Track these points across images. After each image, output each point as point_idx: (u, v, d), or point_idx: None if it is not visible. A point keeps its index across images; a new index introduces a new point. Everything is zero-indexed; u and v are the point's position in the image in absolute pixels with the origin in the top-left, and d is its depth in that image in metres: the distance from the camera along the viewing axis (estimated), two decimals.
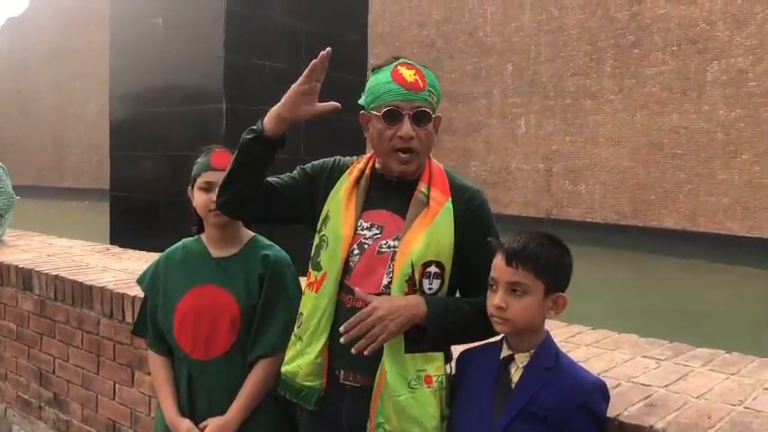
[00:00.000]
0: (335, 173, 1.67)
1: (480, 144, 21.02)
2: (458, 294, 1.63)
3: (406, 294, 1.50)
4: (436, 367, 1.53)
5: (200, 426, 1.82)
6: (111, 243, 5.12)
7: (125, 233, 5.66)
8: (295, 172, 1.71)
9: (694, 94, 16.57)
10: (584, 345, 2.19)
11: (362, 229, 1.58)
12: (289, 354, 1.64)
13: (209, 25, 5.20)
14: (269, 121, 1.56)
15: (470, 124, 20.96)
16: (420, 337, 1.49)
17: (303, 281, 1.74)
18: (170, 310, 1.85)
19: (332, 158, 1.72)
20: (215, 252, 1.89)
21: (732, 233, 15.92)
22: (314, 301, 1.58)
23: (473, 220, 1.58)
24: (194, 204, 1.89)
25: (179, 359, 1.87)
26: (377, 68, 1.59)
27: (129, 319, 2.70)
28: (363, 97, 1.60)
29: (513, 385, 1.45)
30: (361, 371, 1.53)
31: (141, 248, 4.14)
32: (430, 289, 1.53)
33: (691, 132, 16.66)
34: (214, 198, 1.79)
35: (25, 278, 3.29)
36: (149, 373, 2.54)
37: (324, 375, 1.57)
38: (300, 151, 4.84)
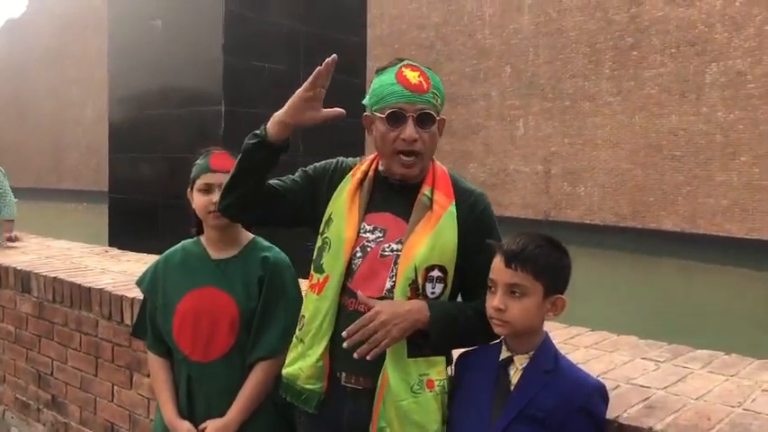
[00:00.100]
0: (338, 174, 1.66)
1: (479, 146, 21.04)
2: (459, 298, 1.62)
3: (409, 298, 1.50)
4: (438, 371, 1.53)
5: (200, 428, 1.82)
6: (110, 245, 5.12)
7: (124, 235, 5.67)
8: (297, 174, 1.70)
9: (693, 96, 16.60)
10: (583, 346, 2.19)
11: (365, 232, 1.57)
12: (290, 356, 1.64)
13: (207, 27, 5.21)
14: (272, 126, 1.55)
15: (469, 126, 20.97)
16: (423, 342, 1.49)
17: (304, 283, 1.74)
18: (169, 311, 1.85)
19: (334, 160, 1.71)
20: (214, 254, 1.89)
21: (731, 235, 15.94)
22: (316, 304, 1.58)
23: (477, 224, 1.57)
24: (193, 206, 1.89)
25: (178, 361, 1.87)
26: (381, 70, 1.58)
27: (127, 320, 2.70)
28: (367, 99, 1.59)
29: (512, 387, 1.45)
30: (363, 374, 1.52)
31: (140, 250, 4.14)
32: (433, 293, 1.52)
33: (689, 134, 16.68)
34: (213, 200, 1.79)
35: (24, 280, 3.29)
36: (148, 375, 2.54)
37: (325, 378, 1.56)
38: (299, 153, 4.83)
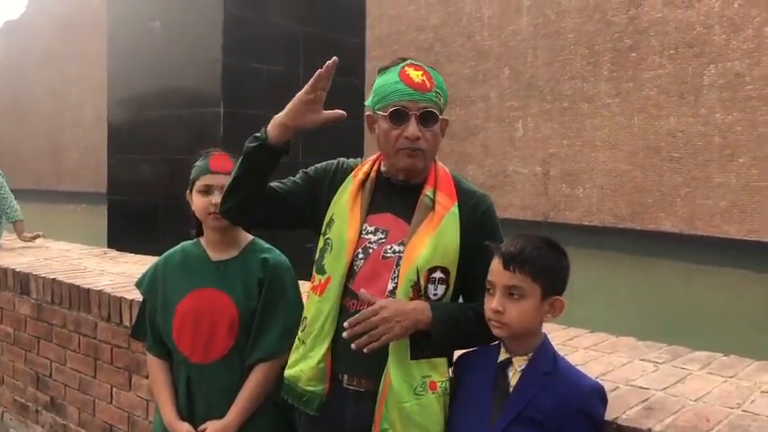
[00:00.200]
0: (339, 176, 1.65)
1: (478, 147, 21.05)
2: (461, 299, 1.62)
3: (411, 299, 1.50)
4: (440, 373, 1.53)
5: (199, 429, 1.82)
6: (109, 246, 5.11)
7: (123, 236, 5.66)
8: (297, 176, 1.69)
9: (691, 98, 16.61)
10: (582, 348, 2.19)
11: (367, 233, 1.56)
12: (292, 358, 1.63)
13: (207, 29, 5.21)
14: (273, 129, 1.55)
15: (468, 128, 20.98)
16: (424, 343, 1.49)
17: (304, 285, 1.74)
18: (169, 313, 1.85)
19: (335, 161, 1.70)
20: (214, 255, 1.89)
21: (729, 236, 15.95)
22: (317, 305, 1.57)
23: (479, 225, 1.57)
24: (193, 208, 1.89)
25: (178, 362, 1.87)
26: (384, 69, 1.57)
27: (126, 322, 2.69)
28: (370, 98, 1.59)
29: (511, 389, 1.45)
30: (366, 376, 1.52)
31: (139, 252, 4.14)
32: (435, 294, 1.52)
33: (688, 136, 16.70)
34: (213, 201, 1.79)
35: (22, 282, 3.29)
36: (147, 377, 2.54)
37: (327, 380, 1.56)
38: (299, 154, 4.83)
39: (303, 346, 1.60)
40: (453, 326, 1.50)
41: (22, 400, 3.38)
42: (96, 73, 28.87)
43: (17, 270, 3.34)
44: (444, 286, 1.53)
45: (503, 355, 1.49)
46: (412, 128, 1.50)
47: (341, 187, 1.62)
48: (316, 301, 1.58)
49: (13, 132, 33.89)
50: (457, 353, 1.63)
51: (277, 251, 1.93)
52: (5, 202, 4.45)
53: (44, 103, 32.97)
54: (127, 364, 2.74)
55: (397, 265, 1.51)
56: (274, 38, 5.44)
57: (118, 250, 4.35)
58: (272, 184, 1.65)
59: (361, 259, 1.55)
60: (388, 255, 1.53)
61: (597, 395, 1.45)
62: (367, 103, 1.61)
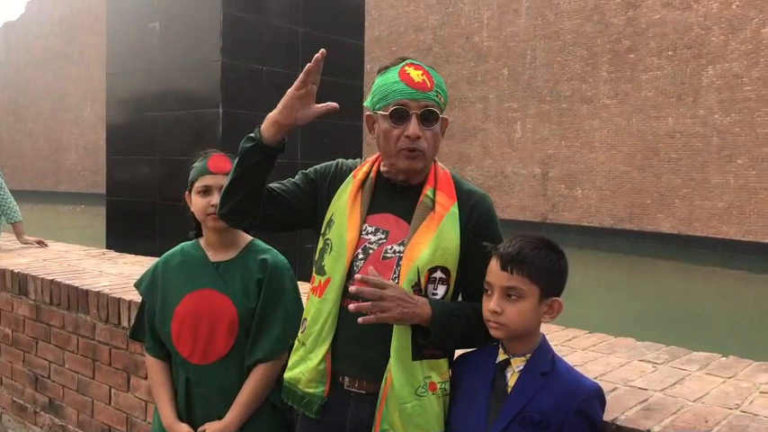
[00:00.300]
0: (338, 176, 1.65)
1: (477, 148, 21.07)
2: (460, 299, 1.62)
3: None
4: (441, 374, 1.53)
5: (198, 430, 1.82)
6: (107, 247, 5.11)
7: (121, 237, 5.66)
8: (297, 177, 1.69)
9: (690, 99, 16.64)
10: (580, 349, 2.19)
11: (367, 234, 1.56)
12: (292, 359, 1.62)
13: (206, 30, 5.21)
14: (267, 128, 1.54)
15: (467, 129, 21.00)
16: (423, 340, 1.49)
17: (303, 285, 1.73)
18: (168, 314, 1.85)
19: (334, 162, 1.70)
20: (213, 256, 1.89)
21: (728, 237, 15.97)
22: (317, 306, 1.56)
23: (479, 225, 1.56)
24: (192, 208, 1.88)
25: (177, 363, 1.87)
26: (384, 69, 1.57)
27: (124, 323, 2.69)
28: (369, 98, 1.58)
29: (509, 390, 1.45)
30: (367, 377, 1.52)
31: (137, 252, 4.13)
32: (435, 294, 1.52)
33: (686, 137, 16.72)
34: (212, 202, 1.79)
35: (21, 283, 3.28)
36: (145, 378, 2.54)
37: (327, 382, 1.55)
38: (298, 155, 4.84)
39: (303, 347, 1.59)
40: (452, 323, 1.49)
41: (21, 402, 3.37)
42: (95, 74, 28.90)
43: (15, 271, 3.34)
44: (445, 286, 1.52)
45: (501, 356, 1.49)
46: (413, 127, 1.50)
47: (340, 188, 1.62)
48: (315, 302, 1.58)
49: (12, 133, 33.87)
50: (456, 353, 1.63)
51: (276, 252, 1.93)
52: (5, 203, 4.43)
53: (43, 104, 32.96)
54: (125, 365, 2.74)
55: (398, 265, 1.51)
56: (273, 39, 5.44)
57: (116, 251, 4.34)
58: (271, 185, 1.64)
59: (361, 259, 1.54)
60: (389, 255, 1.53)
61: (596, 396, 1.45)
62: (366, 102, 1.60)
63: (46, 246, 4.32)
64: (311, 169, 1.70)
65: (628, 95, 17.71)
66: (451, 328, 1.49)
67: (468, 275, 1.55)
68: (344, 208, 1.58)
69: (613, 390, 1.74)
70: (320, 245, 1.61)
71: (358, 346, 1.52)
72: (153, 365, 1.92)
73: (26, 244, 4.33)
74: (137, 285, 1.97)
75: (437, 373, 1.52)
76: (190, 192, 1.89)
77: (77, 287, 2.96)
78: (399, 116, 1.51)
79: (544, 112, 19.44)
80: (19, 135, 33.77)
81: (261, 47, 5.36)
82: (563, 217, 19.08)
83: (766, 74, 15.42)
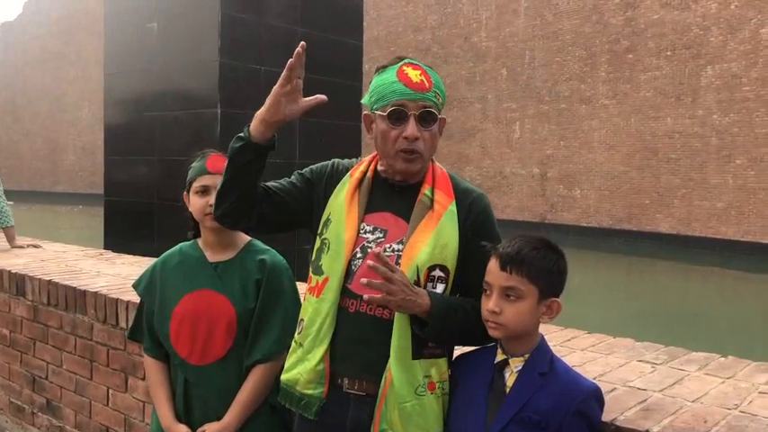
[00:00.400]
0: (335, 176, 1.64)
1: (475, 149, 21.07)
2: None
3: None
4: (440, 373, 1.52)
5: (197, 431, 1.81)
6: (105, 248, 5.10)
7: (119, 238, 5.65)
8: (293, 177, 1.68)
9: (688, 99, 16.65)
10: (579, 349, 2.19)
11: (365, 233, 1.55)
12: (289, 361, 1.61)
13: (204, 30, 5.20)
14: (255, 126, 1.53)
15: (465, 129, 21.01)
16: (418, 329, 1.48)
17: (302, 286, 1.73)
18: (166, 314, 1.84)
19: (330, 162, 1.69)
20: (211, 256, 1.88)
21: (726, 237, 15.99)
22: (315, 307, 1.56)
23: (476, 224, 1.56)
24: (190, 209, 1.88)
25: (175, 364, 1.86)
26: (381, 69, 1.56)
27: (122, 324, 2.69)
28: (367, 97, 1.58)
29: (508, 390, 1.45)
30: (366, 378, 1.51)
31: (135, 253, 4.13)
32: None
33: (685, 137, 16.74)
34: (210, 202, 1.78)
35: (18, 283, 3.27)
36: (143, 379, 2.53)
37: (326, 383, 1.54)
38: (295, 155, 4.84)
39: (300, 348, 1.58)
40: (450, 317, 1.49)
41: (18, 402, 3.37)
42: (93, 74, 28.87)
43: (13, 272, 3.33)
44: (444, 285, 1.52)
45: (499, 356, 1.49)
46: (411, 128, 1.49)
47: (337, 187, 1.61)
48: (313, 302, 1.57)
49: (9, 133, 33.84)
50: (456, 353, 1.63)
51: (275, 252, 1.92)
52: None
53: (41, 105, 32.93)
54: (123, 366, 2.73)
55: (397, 263, 1.50)
56: (271, 39, 5.43)
57: (114, 251, 4.34)
58: (267, 184, 1.63)
59: (359, 258, 1.54)
60: (388, 254, 1.52)
61: (594, 396, 1.45)
62: (364, 101, 1.60)
63: (38, 246, 4.24)
64: (307, 169, 1.69)
65: (626, 96, 17.72)
66: (450, 321, 1.49)
67: (466, 275, 1.55)
68: (342, 207, 1.57)
69: (612, 390, 1.74)
70: (317, 245, 1.60)
71: (358, 346, 1.51)
72: (151, 366, 1.91)
73: (16, 248, 4.16)
74: (135, 286, 1.97)
75: (437, 373, 1.51)
76: (188, 192, 1.88)
77: (75, 288, 2.95)
78: (397, 117, 1.50)
79: (543, 112, 19.45)
80: (16, 135, 33.73)
81: (259, 47, 5.35)
82: (562, 217, 19.09)
83: (765, 74, 15.44)
